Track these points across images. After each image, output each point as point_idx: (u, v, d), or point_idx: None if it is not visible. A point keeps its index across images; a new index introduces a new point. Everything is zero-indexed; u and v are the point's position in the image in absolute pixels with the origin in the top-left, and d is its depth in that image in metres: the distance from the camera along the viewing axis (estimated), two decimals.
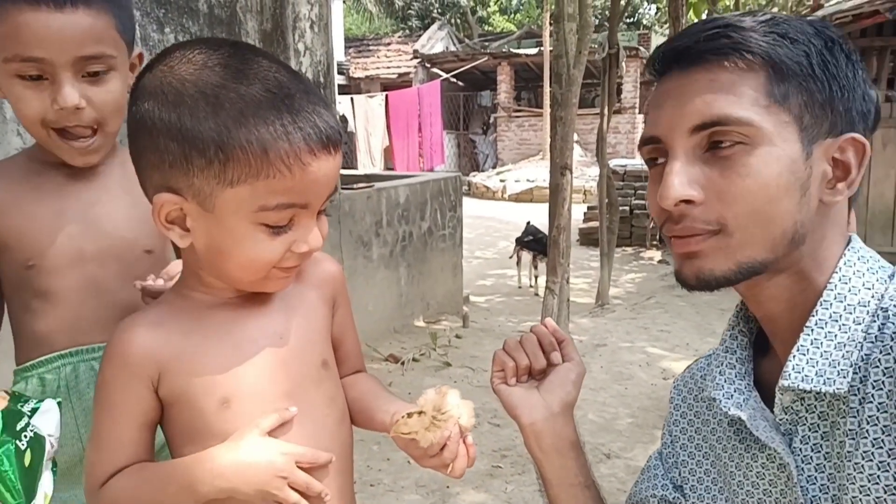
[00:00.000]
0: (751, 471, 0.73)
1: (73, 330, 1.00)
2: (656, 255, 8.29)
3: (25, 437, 0.80)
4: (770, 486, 0.71)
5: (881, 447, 0.62)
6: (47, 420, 0.85)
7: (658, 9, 20.11)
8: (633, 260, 8.03)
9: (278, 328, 0.84)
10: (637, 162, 10.49)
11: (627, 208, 8.53)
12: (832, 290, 0.68)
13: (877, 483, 0.62)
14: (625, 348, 4.35)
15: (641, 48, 15.30)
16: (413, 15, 23.47)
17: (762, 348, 0.78)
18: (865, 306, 0.67)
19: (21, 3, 0.89)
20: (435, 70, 16.08)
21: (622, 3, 5.46)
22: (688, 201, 0.68)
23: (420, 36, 18.08)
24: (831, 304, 0.67)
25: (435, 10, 22.83)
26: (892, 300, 0.66)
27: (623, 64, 6.04)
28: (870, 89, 0.71)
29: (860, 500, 0.63)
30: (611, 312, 5.37)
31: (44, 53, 0.90)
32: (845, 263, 0.69)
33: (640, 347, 4.37)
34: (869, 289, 0.67)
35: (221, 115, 0.69)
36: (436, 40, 18.22)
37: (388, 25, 22.62)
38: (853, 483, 0.63)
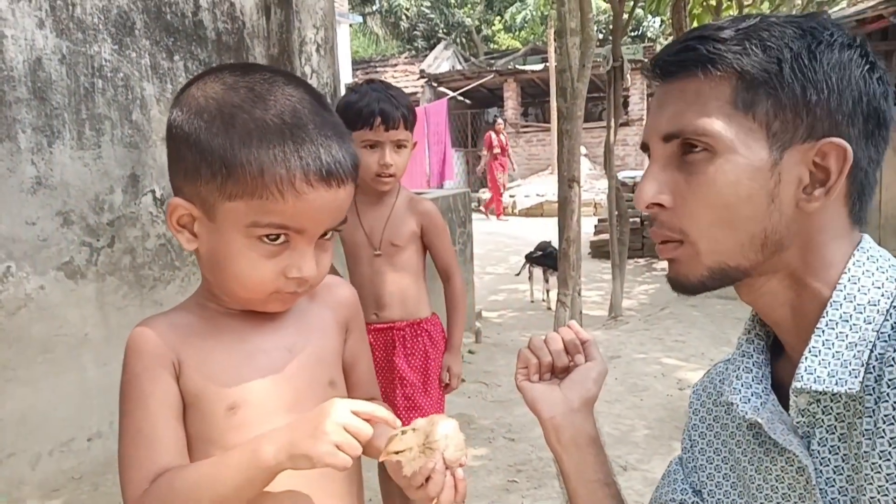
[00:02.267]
0: (770, 474, 0.73)
1: None
2: None
3: None
4: (789, 489, 0.71)
5: None
6: None
7: (662, 21, 20.18)
8: (645, 271, 7.99)
9: (289, 343, 0.86)
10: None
11: (638, 220, 8.50)
12: (841, 290, 0.68)
13: (894, 483, 0.61)
14: (639, 360, 4.32)
15: (647, 60, 15.33)
16: (419, 36, 23.72)
17: (779, 352, 0.78)
18: (875, 305, 0.66)
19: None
20: (442, 89, 16.20)
21: (625, 16, 5.49)
22: (659, 205, 0.71)
23: (426, 56, 18.26)
24: (841, 305, 0.67)
25: (440, 31, 23.06)
26: None
27: (628, 76, 6.06)
28: (871, 87, 0.68)
29: (878, 500, 0.62)
30: (624, 324, 5.33)
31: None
32: (854, 263, 0.69)
33: (654, 358, 4.33)
34: (879, 288, 0.67)
35: (231, 134, 0.74)
36: (442, 59, 18.39)
37: (395, 47, 22.86)
38: (871, 483, 0.63)
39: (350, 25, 17.53)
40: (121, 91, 2.95)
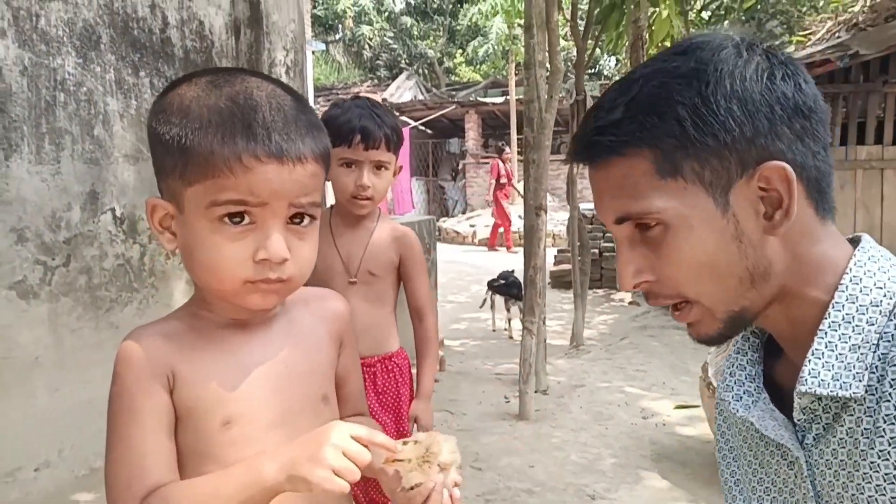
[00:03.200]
0: (770, 468, 0.75)
1: None
2: (626, 296, 8.38)
3: None
4: (783, 483, 0.73)
5: None
6: None
7: (618, 60, 20.84)
8: (604, 301, 8.10)
9: (283, 356, 0.84)
10: None
11: (597, 251, 8.64)
12: (843, 291, 0.68)
13: (892, 483, 0.62)
14: (603, 388, 4.34)
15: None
16: (381, 65, 23.92)
17: (774, 349, 0.79)
18: (878, 306, 0.67)
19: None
20: (404, 118, 16.30)
21: (587, 52, 5.64)
22: (646, 282, 0.72)
23: (388, 85, 18.38)
24: (843, 306, 0.68)
25: (403, 61, 23.31)
26: None
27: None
28: (778, 91, 0.67)
29: (876, 499, 0.63)
30: (586, 353, 5.37)
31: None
32: (856, 264, 0.69)
33: (617, 387, 4.36)
34: (881, 288, 0.67)
35: (185, 122, 0.76)
36: (404, 89, 18.54)
37: (357, 75, 22.97)
38: (869, 482, 0.63)
39: (313, 52, 17.56)
40: (83, 105, 2.86)
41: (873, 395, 0.64)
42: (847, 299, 0.68)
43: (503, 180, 12.57)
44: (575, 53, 6.07)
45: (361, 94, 2.08)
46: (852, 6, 7.54)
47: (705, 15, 8.24)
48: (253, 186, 0.74)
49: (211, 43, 3.53)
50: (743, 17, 8.70)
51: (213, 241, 0.76)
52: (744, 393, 0.77)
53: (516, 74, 16.03)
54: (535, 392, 4.00)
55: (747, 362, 0.78)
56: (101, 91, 2.94)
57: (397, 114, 16.44)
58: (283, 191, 0.76)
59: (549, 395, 4.16)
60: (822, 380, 0.66)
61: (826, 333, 0.67)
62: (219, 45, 3.57)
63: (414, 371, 1.94)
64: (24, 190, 2.61)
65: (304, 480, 0.69)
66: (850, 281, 0.68)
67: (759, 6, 8.71)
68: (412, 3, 24.77)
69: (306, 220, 0.80)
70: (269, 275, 0.76)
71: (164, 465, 0.74)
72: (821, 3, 9.43)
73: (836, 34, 6.46)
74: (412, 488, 0.74)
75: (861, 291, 0.67)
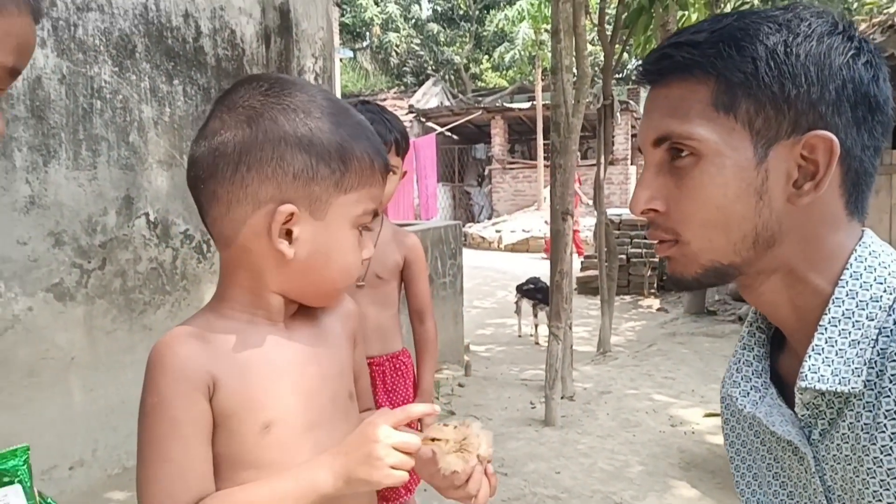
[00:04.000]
0: (783, 462, 0.75)
1: None
2: (655, 303, 8.29)
3: None
4: (797, 478, 0.72)
5: None
6: None
7: None
8: (631, 308, 8.02)
9: (315, 356, 0.84)
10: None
11: (624, 257, 8.57)
12: (843, 286, 0.68)
13: (894, 478, 0.61)
14: (630, 395, 4.29)
15: (632, 102, 15.66)
16: (408, 72, 24.06)
17: (781, 344, 0.79)
18: (878, 301, 0.66)
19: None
20: (430, 124, 16.38)
21: (615, 56, 5.61)
22: (653, 209, 0.72)
23: (415, 91, 18.48)
24: (843, 302, 0.67)
25: (429, 68, 23.42)
26: None
27: (618, 115, 6.17)
28: (857, 73, 0.67)
29: (881, 494, 0.62)
30: (613, 360, 5.32)
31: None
32: (856, 259, 0.68)
33: (645, 394, 4.31)
34: (881, 283, 0.67)
35: (341, 132, 0.79)
36: (430, 96, 18.62)
37: (384, 82, 23.15)
38: (874, 477, 0.63)
39: (340, 60, 17.75)
40: (119, 113, 2.94)
41: (872, 390, 0.64)
42: (847, 295, 0.67)
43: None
44: (601, 58, 6.04)
45: (368, 100, 2.13)
46: (888, 7, 7.38)
47: None
48: (381, 196, 0.84)
49: (242, 51, 3.60)
50: None
51: (352, 245, 0.81)
52: (751, 389, 0.76)
53: (543, 80, 16.02)
54: (562, 398, 3.97)
55: (753, 357, 0.78)
56: (136, 99, 3.01)
57: (423, 119, 16.54)
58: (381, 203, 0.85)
59: (576, 401, 4.13)
60: (822, 375, 0.66)
61: (826, 329, 0.67)
62: (250, 53, 3.64)
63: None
64: (62, 195, 2.69)
65: (365, 482, 0.72)
66: (851, 276, 0.68)
67: None
68: (439, 9, 24.90)
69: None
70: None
71: (204, 477, 0.74)
72: (855, 6, 9.26)
73: (871, 35, 6.34)
74: (455, 475, 0.76)
75: (861, 287, 0.67)
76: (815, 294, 0.70)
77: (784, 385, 0.75)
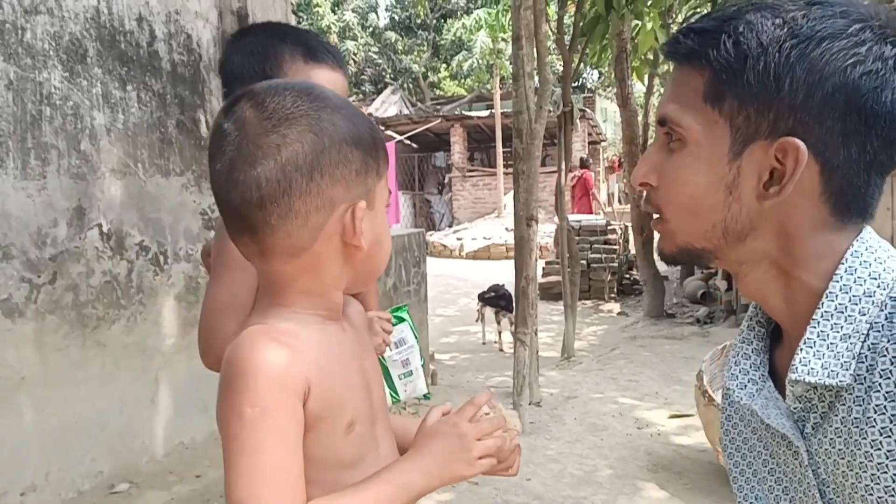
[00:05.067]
0: (779, 457, 0.75)
1: None
2: (615, 307, 8.40)
3: None
4: (792, 472, 0.73)
5: (889, 436, 0.61)
6: None
7: (600, 73, 21.05)
8: (593, 313, 8.11)
9: (364, 349, 0.88)
10: (591, 217, 10.72)
11: (585, 262, 8.66)
12: (837, 281, 0.68)
13: (885, 472, 0.62)
14: (596, 399, 4.32)
15: (587, 110, 15.92)
16: (366, 80, 23.99)
17: (781, 339, 0.79)
18: (871, 296, 0.66)
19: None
20: (389, 132, 16.33)
21: (573, 64, 5.68)
22: (648, 184, 0.75)
23: (374, 100, 18.43)
24: (837, 296, 0.67)
25: (387, 76, 23.41)
26: None
27: (577, 122, 6.24)
28: (853, 82, 0.64)
29: (872, 488, 0.63)
30: (578, 364, 5.36)
31: None
32: (852, 254, 0.68)
33: (611, 398, 4.34)
34: (875, 279, 0.67)
35: (366, 123, 0.81)
36: (389, 104, 18.60)
37: None
38: (865, 471, 0.63)
39: None
40: (70, 120, 2.82)
41: (862, 384, 0.64)
42: (841, 289, 0.67)
43: (594, 190, 12.52)
44: (559, 66, 6.11)
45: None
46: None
47: None
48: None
49: (199, 56, 3.51)
50: None
51: (388, 225, 0.85)
52: (748, 381, 0.77)
53: (501, 88, 16.15)
54: (529, 404, 3.97)
55: (752, 351, 0.79)
56: (87, 105, 2.90)
57: (383, 128, 16.49)
58: None
59: (543, 406, 4.13)
60: (812, 368, 0.66)
61: (818, 323, 0.67)
62: (207, 58, 3.55)
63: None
64: (9, 206, 2.56)
65: (459, 477, 0.80)
66: (845, 271, 0.68)
67: None
68: (396, 18, 24.92)
69: None
70: None
71: (303, 484, 0.72)
72: None
73: None
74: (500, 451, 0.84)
75: (855, 282, 0.67)
76: (805, 290, 0.70)
77: (782, 379, 0.76)
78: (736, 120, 0.68)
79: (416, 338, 1.76)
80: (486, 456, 0.80)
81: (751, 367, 0.78)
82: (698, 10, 7.41)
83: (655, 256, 6.89)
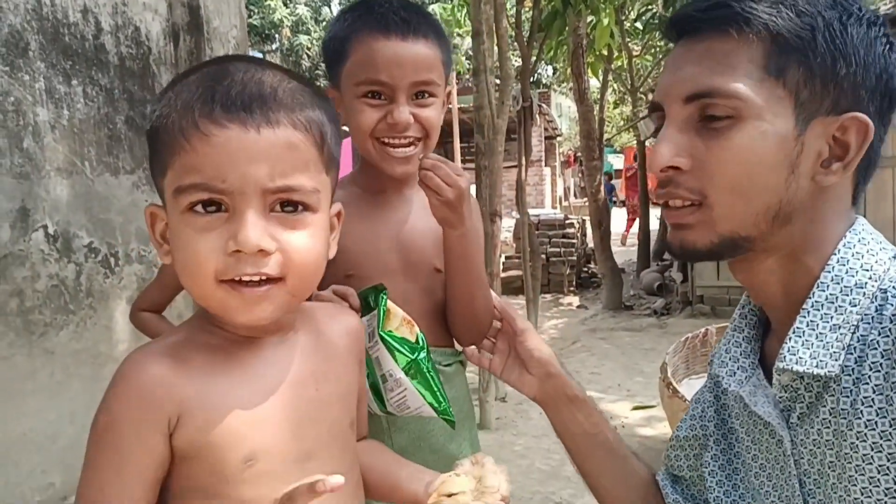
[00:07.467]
0: (762, 444, 0.74)
1: None
2: (574, 300, 8.49)
3: None
4: (775, 460, 0.72)
5: (874, 428, 0.61)
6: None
7: (555, 69, 21.26)
8: (553, 306, 8.17)
9: (313, 377, 0.74)
10: (550, 212, 10.83)
11: (544, 256, 8.73)
12: (829, 272, 0.67)
13: (870, 463, 0.62)
14: None
15: (543, 105, 16.05)
16: (321, 75, 23.65)
17: (771, 327, 0.79)
18: (862, 288, 0.66)
19: (376, 34, 1.07)
20: (345, 128, 16.13)
21: (532, 59, 5.69)
22: (676, 168, 0.69)
23: None
24: (828, 287, 0.67)
25: None
26: (892, 281, 0.66)
27: (537, 116, 6.27)
28: (891, 66, 0.68)
29: (856, 479, 0.63)
30: None
31: (389, 78, 1.07)
32: (845, 245, 0.68)
33: None
34: (867, 270, 0.67)
35: (160, 106, 0.68)
36: None
37: None
38: (850, 462, 0.63)
39: None
40: (11, 116, 2.67)
41: (850, 376, 0.64)
42: (832, 280, 0.67)
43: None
44: (517, 61, 6.12)
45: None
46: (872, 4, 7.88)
47: (640, 25, 8.47)
48: (214, 163, 0.63)
49: (148, 49, 3.37)
50: None
51: (186, 235, 0.65)
52: (738, 369, 0.76)
53: (458, 83, 16.12)
54: (496, 399, 3.96)
55: (743, 339, 0.78)
56: (30, 101, 2.75)
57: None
58: (249, 168, 0.63)
59: (508, 402, 4.13)
60: (800, 357, 0.66)
61: (808, 312, 0.67)
62: (156, 51, 3.41)
63: None
64: None
65: None
66: (837, 262, 0.68)
67: None
68: None
69: (299, 209, 0.68)
70: (247, 269, 0.64)
71: None
72: None
73: None
74: None
75: (847, 273, 0.67)
76: (804, 274, 0.69)
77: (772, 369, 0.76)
78: (801, 94, 0.65)
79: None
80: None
81: (741, 354, 0.77)
82: (650, 6, 7.52)
83: (618, 248, 6.96)
